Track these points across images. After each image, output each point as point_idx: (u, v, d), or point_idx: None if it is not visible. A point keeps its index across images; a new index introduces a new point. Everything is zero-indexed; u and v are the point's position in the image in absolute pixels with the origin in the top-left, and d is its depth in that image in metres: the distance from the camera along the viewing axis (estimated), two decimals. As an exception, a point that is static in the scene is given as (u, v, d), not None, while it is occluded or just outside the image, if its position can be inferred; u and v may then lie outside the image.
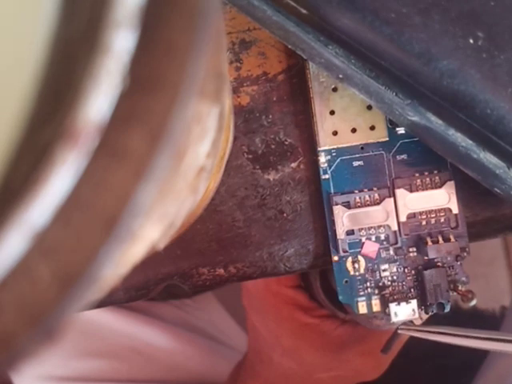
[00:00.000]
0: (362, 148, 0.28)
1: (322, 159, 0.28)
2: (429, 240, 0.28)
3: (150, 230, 0.13)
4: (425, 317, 0.28)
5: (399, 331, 0.28)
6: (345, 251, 0.28)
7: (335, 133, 0.28)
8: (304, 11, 0.23)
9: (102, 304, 0.29)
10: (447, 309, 0.28)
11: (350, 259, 0.28)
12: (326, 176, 0.29)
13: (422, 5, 0.23)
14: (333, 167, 0.28)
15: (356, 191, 0.28)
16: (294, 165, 0.29)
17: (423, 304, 0.28)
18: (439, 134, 0.24)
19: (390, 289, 0.29)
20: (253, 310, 0.40)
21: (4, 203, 0.09)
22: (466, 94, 0.23)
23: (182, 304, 0.54)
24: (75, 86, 0.09)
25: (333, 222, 0.28)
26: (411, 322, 0.28)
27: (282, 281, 0.37)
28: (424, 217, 0.28)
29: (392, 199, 0.28)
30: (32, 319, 0.09)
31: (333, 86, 0.28)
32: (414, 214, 0.28)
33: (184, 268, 0.29)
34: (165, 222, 0.14)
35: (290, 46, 0.25)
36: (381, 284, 0.29)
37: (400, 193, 0.28)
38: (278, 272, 0.30)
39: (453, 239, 0.28)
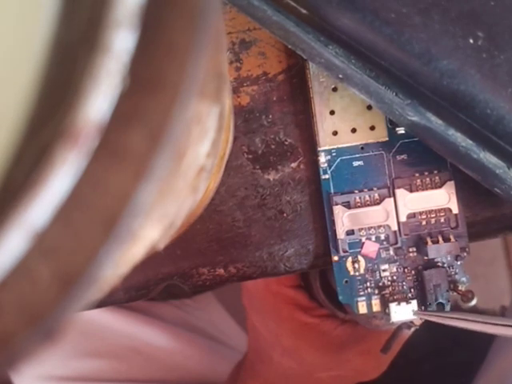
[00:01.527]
0: (362, 148, 0.28)
1: (322, 159, 0.28)
2: (429, 240, 0.28)
3: (149, 230, 0.13)
4: (425, 317, 0.28)
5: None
6: (345, 251, 0.28)
7: (335, 133, 0.28)
8: (304, 11, 0.23)
9: (101, 304, 0.29)
10: (447, 309, 0.28)
11: (349, 259, 0.28)
12: (326, 176, 0.28)
13: (422, 5, 0.23)
14: (333, 167, 0.28)
15: (356, 191, 0.28)
16: (294, 165, 0.29)
17: (423, 304, 0.28)
18: (439, 134, 0.24)
19: (390, 289, 0.29)
20: (253, 310, 0.40)
21: (4, 203, 0.09)
22: (465, 94, 0.23)
23: (181, 304, 0.54)
24: (75, 86, 0.09)
25: (333, 222, 0.28)
26: (411, 322, 0.28)
27: (281, 281, 0.37)
28: (424, 217, 0.28)
29: (392, 199, 0.28)
30: (32, 319, 0.09)
31: (333, 86, 0.28)
32: (414, 214, 0.28)
33: (184, 268, 0.29)
34: (165, 222, 0.14)
35: (290, 46, 0.24)
36: (381, 284, 0.29)
37: (400, 193, 0.28)
38: (278, 272, 0.30)
39: (453, 239, 0.28)
